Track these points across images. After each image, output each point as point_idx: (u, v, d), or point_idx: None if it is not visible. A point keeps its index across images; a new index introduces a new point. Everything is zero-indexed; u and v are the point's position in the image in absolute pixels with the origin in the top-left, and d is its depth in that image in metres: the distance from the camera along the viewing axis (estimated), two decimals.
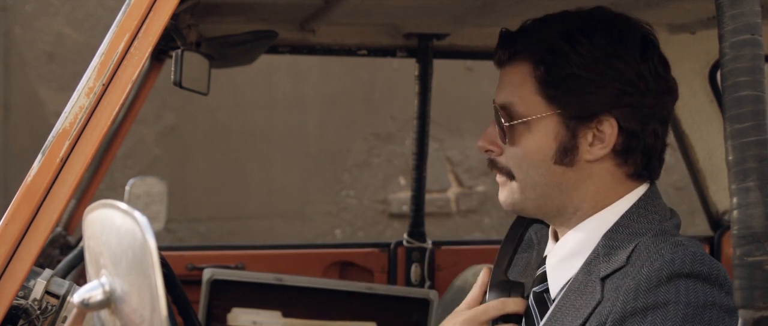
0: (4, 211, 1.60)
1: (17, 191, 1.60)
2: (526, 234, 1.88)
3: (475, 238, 5.90)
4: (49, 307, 1.67)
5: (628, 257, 1.62)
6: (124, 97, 1.62)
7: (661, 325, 1.52)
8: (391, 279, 3.28)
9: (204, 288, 2.95)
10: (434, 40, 3.04)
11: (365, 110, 5.95)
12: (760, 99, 1.39)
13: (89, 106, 1.60)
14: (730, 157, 1.40)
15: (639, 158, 1.68)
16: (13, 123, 5.55)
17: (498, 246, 1.84)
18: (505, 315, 1.75)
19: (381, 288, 3.09)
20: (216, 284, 2.96)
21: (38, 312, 1.66)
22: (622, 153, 1.67)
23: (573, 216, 1.71)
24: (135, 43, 1.62)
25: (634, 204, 1.69)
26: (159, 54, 2.91)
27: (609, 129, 1.66)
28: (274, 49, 2.93)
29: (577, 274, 1.68)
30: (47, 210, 1.59)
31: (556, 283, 1.71)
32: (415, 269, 3.26)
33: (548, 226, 1.82)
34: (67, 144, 1.60)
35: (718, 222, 3.28)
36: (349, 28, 2.94)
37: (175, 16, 2.24)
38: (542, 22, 1.71)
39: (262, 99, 5.82)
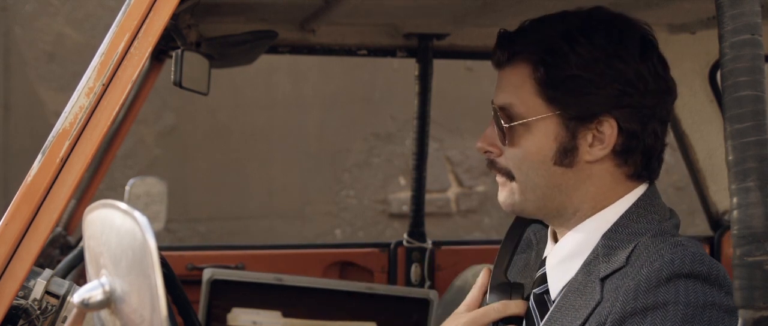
0: (4, 211, 1.60)
1: (17, 191, 1.60)
2: (525, 234, 1.88)
3: (475, 238, 5.90)
4: (49, 307, 1.67)
5: (628, 257, 1.62)
6: (124, 97, 1.62)
7: (660, 325, 1.52)
8: (391, 279, 3.28)
9: (204, 288, 2.95)
10: (434, 40, 3.04)
11: (365, 110, 5.95)
12: (760, 99, 1.39)
13: (89, 106, 1.60)
14: (730, 157, 1.40)
15: (639, 158, 1.68)
16: (13, 123, 5.55)
17: (498, 247, 1.84)
18: (506, 317, 1.74)
19: (381, 288, 3.09)
20: (216, 284, 2.97)
21: (38, 312, 1.66)
22: (621, 153, 1.67)
23: (573, 217, 1.71)
24: (135, 43, 1.62)
25: (634, 204, 1.69)
26: (159, 54, 2.91)
27: (609, 129, 1.66)
28: (274, 49, 2.93)
29: (577, 275, 1.68)
30: (47, 210, 1.59)
31: (556, 284, 1.71)
32: (415, 269, 3.26)
33: (547, 227, 1.81)
34: (67, 144, 1.60)
35: (718, 222, 3.28)
36: (349, 28, 2.94)
37: (175, 16, 2.24)
38: (541, 22, 1.71)
39: (262, 99, 5.82)
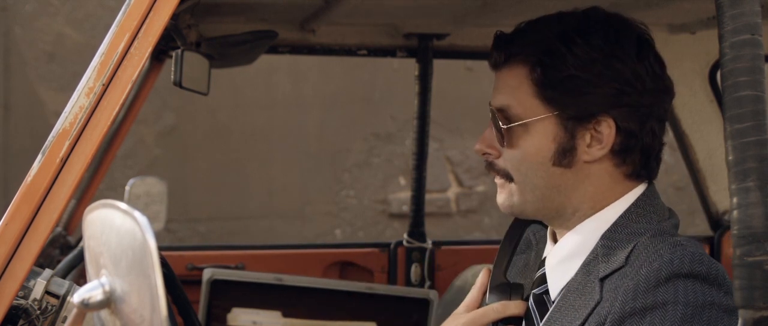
0: (4, 211, 1.60)
1: (17, 191, 1.60)
2: (524, 235, 1.88)
3: (475, 238, 5.90)
4: (49, 307, 1.67)
5: (627, 257, 1.62)
6: (124, 97, 1.62)
7: (660, 325, 1.52)
8: (391, 279, 3.28)
9: (204, 288, 2.95)
10: (434, 40, 3.04)
11: (365, 110, 5.95)
12: (760, 99, 1.39)
13: (89, 106, 1.60)
14: (730, 157, 1.40)
15: (637, 158, 1.68)
16: (13, 123, 5.55)
17: (498, 247, 1.84)
18: (505, 317, 1.74)
19: (381, 288, 3.09)
20: (216, 284, 2.97)
21: (38, 312, 1.66)
22: (620, 153, 1.67)
23: (572, 217, 1.71)
24: (135, 43, 1.62)
25: (633, 204, 1.69)
26: (159, 54, 2.91)
27: (607, 129, 1.66)
28: (274, 49, 2.93)
29: (576, 275, 1.68)
30: (47, 210, 1.59)
31: (555, 285, 1.71)
32: (415, 269, 3.26)
33: (546, 227, 1.81)
34: (67, 144, 1.60)
35: (718, 222, 3.28)
36: (349, 28, 2.94)
37: (175, 16, 2.24)
38: (538, 23, 1.71)
39: (262, 99, 5.82)
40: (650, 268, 1.56)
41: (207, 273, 2.97)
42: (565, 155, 1.67)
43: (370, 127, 5.96)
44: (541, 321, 1.71)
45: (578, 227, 1.70)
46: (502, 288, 1.77)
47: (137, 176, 3.61)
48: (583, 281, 1.66)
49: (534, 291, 1.75)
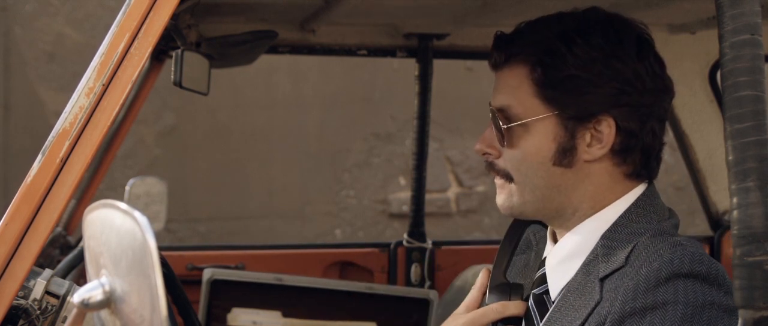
0: (4, 211, 1.60)
1: (17, 191, 1.60)
2: (524, 235, 1.88)
3: (475, 238, 5.90)
4: (49, 307, 1.67)
5: (627, 257, 1.62)
6: (124, 97, 1.62)
7: (659, 325, 1.52)
8: (391, 279, 3.28)
9: (204, 288, 2.95)
10: (434, 40, 3.04)
11: (365, 110, 5.95)
12: (760, 99, 1.39)
13: (89, 106, 1.60)
14: (730, 157, 1.40)
15: (637, 157, 1.68)
16: (13, 123, 5.55)
17: (498, 247, 1.84)
18: (505, 317, 1.74)
19: (381, 288, 3.09)
20: (216, 284, 2.97)
21: (38, 312, 1.66)
22: (620, 152, 1.67)
23: (572, 217, 1.71)
24: (135, 43, 1.62)
25: (633, 204, 1.69)
26: (159, 54, 2.91)
27: (607, 129, 1.66)
28: (274, 49, 2.93)
29: (576, 275, 1.68)
30: (47, 210, 1.59)
31: (555, 285, 1.71)
32: (415, 269, 3.26)
33: (546, 227, 1.81)
34: (67, 144, 1.60)
35: (718, 222, 3.28)
36: (349, 28, 2.94)
37: (175, 16, 2.24)
38: (538, 24, 1.71)
39: (262, 99, 5.82)
40: (650, 268, 1.56)
41: (207, 273, 2.97)
42: (565, 155, 1.67)
43: (370, 127, 5.96)
44: (541, 321, 1.71)
45: (578, 227, 1.70)
46: (501, 288, 1.77)
47: (137, 176, 3.61)
48: (583, 281, 1.66)
49: (534, 291, 1.75)
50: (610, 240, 1.66)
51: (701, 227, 3.70)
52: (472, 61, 5.04)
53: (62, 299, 1.68)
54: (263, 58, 3.00)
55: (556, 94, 1.66)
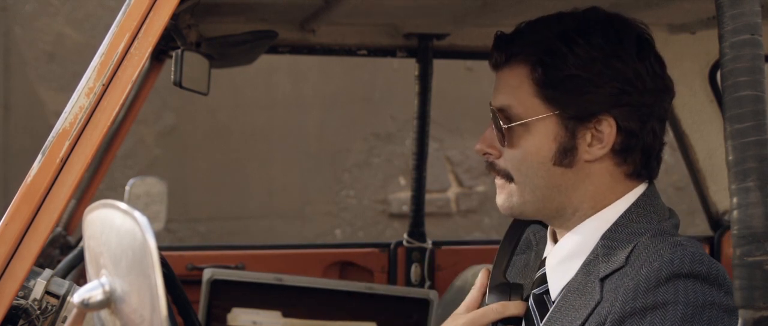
0: (4, 211, 1.60)
1: (17, 191, 1.60)
2: (524, 235, 1.88)
3: (475, 238, 5.90)
4: (49, 307, 1.67)
5: (627, 257, 1.62)
6: (124, 97, 1.62)
7: (660, 325, 1.52)
8: (391, 279, 3.28)
9: (204, 288, 2.95)
10: (434, 40, 3.04)
11: (365, 110, 5.95)
12: (760, 99, 1.39)
13: (89, 106, 1.60)
14: (730, 157, 1.40)
15: (638, 157, 1.68)
16: (13, 123, 5.55)
17: (498, 247, 1.84)
18: (505, 318, 1.74)
19: (381, 288, 3.09)
20: (216, 284, 2.97)
21: (38, 312, 1.66)
22: (620, 152, 1.67)
23: (572, 217, 1.71)
24: (135, 43, 1.62)
25: (633, 203, 1.69)
26: (159, 54, 2.91)
27: (607, 128, 1.66)
28: (274, 49, 2.93)
29: (577, 275, 1.68)
30: (47, 210, 1.59)
31: (556, 285, 1.71)
32: (415, 269, 3.26)
33: (546, 227, 1.81)
34: (67, 144, 1.60)
35: (718, 222, 3.28)
36: (349, 28, 2.94)
37: (175, 16, 2.24)
38: (538, 24, 1.71)
39: (262, 99, 5.82)
40: (650, 268, 1.56)
41: (207, 273, 2.97)
42: (565, 155, 1.67)
43: (370, 127, 5.96)
44: (541, 322, 1.71)
45: (578, 227, 1.70)
46: (501, 288, 1.77)
47: (137, 176, 3.61)
48: (583, 281, 1.66)
49: (534, 291, 1.75)
50: (610, 240, 1.66)
51: (701, 227, 3.70)
52: (472, 61, 5.04)
53: (62, 299, 1.68)
54: (263, 58, 3.00)
55: (556, 94, 1.66)
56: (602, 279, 1.62)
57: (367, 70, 5.91)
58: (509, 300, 1.76)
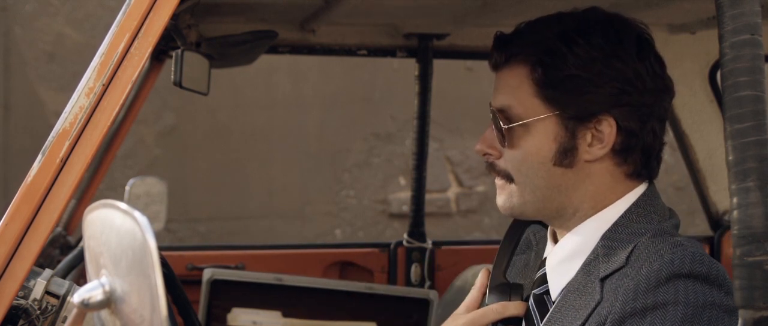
0: (4, 211, 1.60)
1: (17, 191, 1.60)
2: (524, 235, 1.88)
3: (475, 238, 5.90)
4: (49, 307, 1.67)
5: (628, 257, 1.62)
6: (124, 97, 1.62)
7: (660, 325, 1.52)
8: (391, 279, 3.28)
9: (204, 288, 2.95)
10: (434, 40, 3.04)
11: (365, 110, 5.95)
12: (760, 99, 1.39)
13: (89, 106, 1.60)
14: (730, 157, 1.40)
15: (638, 157, 1.68)
16: (13, 123, 5.55)
17: (498, 247, 1.84)
18: (505, 318, 1.74)
19: (381, 288, 3.09)
20: (216, 284, 2.97)
21: (38, 312, 1.66)
22: (621, 152, 1.67)
23: (572, 217, 1.71)
24: (135, 43, 1.62)
25: (634, 204, 1.69)
26: (159, 54, 2.91)
27: (608, 128, 1.66)
28: (274, 49, 2.93)
29: (577, 275, 1.68)
30: (47, 210, 1.59)
31: (556, 285, 1.71)
32: (415, 269, 3.26)
33: (546, 227, 1.81)
34: (67, 144, 1.60)
35: (718, 222, 3.28)
36: (349, 28, 2.94)
37: (175, 16, 2.24)
38: (537, 24, 1.71)
39: (262, 99, 5.82)
40: (651, 268, 1.56)
41: (207, 273, 2.97)
42: (566, 155, 1.67)
43: (370, 127, 5.96)
44: (541, 322, 1.71)
45: (579, 227, 1.70)
46: (501, 288, 1.77)
47: (137, 176, 3.61)
48: (583, 281, 1.66)
49: (534, 291, 1.75)
50: (610, 240, 1.66)
51: (701, 227, 3.69)
52: (472, 61, 5.04)
53: (62, 299, 1.68)
54: (263, 58, 3.00)
55: (556, 94, 1.66)
56: (602, 280, 1.62)
57: (367, 70, 5.91)
58: (509, 300, 1.75)
